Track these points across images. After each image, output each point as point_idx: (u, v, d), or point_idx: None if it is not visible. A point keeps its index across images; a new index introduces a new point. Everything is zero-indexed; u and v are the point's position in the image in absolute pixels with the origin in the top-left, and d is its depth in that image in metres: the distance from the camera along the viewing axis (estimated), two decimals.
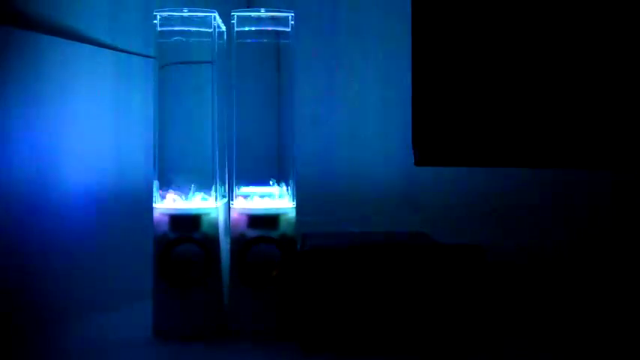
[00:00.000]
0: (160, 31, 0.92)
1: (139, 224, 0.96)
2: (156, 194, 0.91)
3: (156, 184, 0.91)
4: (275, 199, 0.93)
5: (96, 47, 1.01)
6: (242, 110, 0.93)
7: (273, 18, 0.93)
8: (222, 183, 0.95)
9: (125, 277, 1.01)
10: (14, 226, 0.88)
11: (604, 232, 1.02)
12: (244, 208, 0.91)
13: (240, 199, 0.92)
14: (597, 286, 1.01)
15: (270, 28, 0.93)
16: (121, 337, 0.89)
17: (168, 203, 0.91)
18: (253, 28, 0.93)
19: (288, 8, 0.94)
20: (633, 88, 0.83)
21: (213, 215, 0.90)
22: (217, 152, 0.93)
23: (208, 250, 0.90)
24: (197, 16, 0.92)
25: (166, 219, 0.89)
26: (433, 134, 0.90)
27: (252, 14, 0.93)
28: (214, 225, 0.91)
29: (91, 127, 1.00)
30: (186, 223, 0.89)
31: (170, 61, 0.92)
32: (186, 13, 0.92)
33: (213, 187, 0.92)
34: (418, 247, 0.87)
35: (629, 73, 0.83)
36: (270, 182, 0.93)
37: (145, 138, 1.01)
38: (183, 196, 0.89)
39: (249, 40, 0.93)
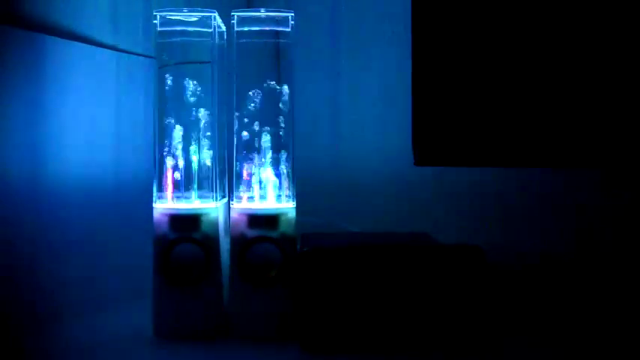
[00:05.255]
0: (160, 31, 0.92)
1: (139, 224, 0.96)
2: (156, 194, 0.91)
3: (156, 184, 0.91)
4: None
5: (96, 47, 1.01)
6: (242, 110, 0.93)
7: (273, 18, 0.93)
8: (222, 183, 0.95)
9: (125, 277, 1.01)
10: (13, 226, 0.88)
11: (604, 232, 1.02)
12: (244, 208, 0.91)
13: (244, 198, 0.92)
14: (597, 285, 1.01)
15: (270, 28, 0.93)
16: (121, 337, 0.89)
17: (168, 203, 0.91)
18: (253, 28, 0.93)
19: (288, 8, 0.94)
20: (632, 88, 0.83)
21: (213, 215, 0.90)
22: (217, 152, 0.93)
23: (208, 250, 0.90)
24: (197, 16, 0.92)
25: (166, 219, 0.89)
26: (433, 134, 0.90)
27: (252, 14, 0.93)
28: (214, 225, 0.91)
29: (91, 127, 1.00)
30: (186, 223, 0.89)
31: (170, 61, 0.92)
32: (186, 13, 0.92)
33: (213, 187, 0.92)
34: (418, 247, 0.87)
35: (628, 73, 0.83)
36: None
37: (144, 138, 1.01)
38: None
39: (249, 40, 0.93)
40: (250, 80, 0.93)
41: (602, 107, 0.84)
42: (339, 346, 0.85)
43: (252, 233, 0.90)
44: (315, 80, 1.24)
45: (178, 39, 0.92)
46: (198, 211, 0.90)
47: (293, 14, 0.93)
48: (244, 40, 0.93)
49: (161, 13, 0.92)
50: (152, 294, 0.90)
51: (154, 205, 0.91)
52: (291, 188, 0.93)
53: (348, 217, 1.19)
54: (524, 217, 1.08)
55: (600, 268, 1.02)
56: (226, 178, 0.95)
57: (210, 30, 0.92)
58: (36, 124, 0.92)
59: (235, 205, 0.92)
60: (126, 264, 1.02)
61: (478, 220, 1.10)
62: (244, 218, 0.91)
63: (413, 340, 0.85)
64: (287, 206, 0.92)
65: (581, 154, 0.86)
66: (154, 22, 0.92)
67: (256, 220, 0.90)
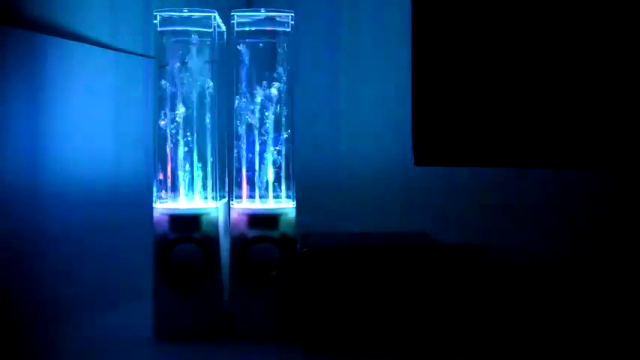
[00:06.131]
0: (160, 31, 0.92)
1: (139, 224, 0.96)
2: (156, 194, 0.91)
3: (155, 183, 0.91)
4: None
5: (96, 47, 1.01)
6: (242, 110, 0.93)
7: (273, 18, 0.93)
8: (222, 183, 0.95)
9: (125, 277, 1.01)
10: (13, 226, 0.88)
11: (604, 232, 1.02)
12: (244, 208, 0.91)
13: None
14: (598, 286, 1.01)
15: (270, 28, 0.93)
16: (121, 337, 0.89)
17: (168, 203, 0.91)
18: (253, 28, 0.93)
19: (288, 8, 0.94)
20: (632, 88, 0.83)
21: (213, 215, 0.90)
22: (217, 152, 0.93)
23: (208, 250, 0.90)
24: (197, 16, 0.92)
25: (166, 219, 0.89)
26: (433, 134, 0.90)
27: (252, 14, 0.93)
28: (214, 225, 0.91)
29: (91, 127, 1.00)
30: (186, 223, 0.89)
31: (170, 61, 0.92)
32: (186, 13, 0.92)
33: (213, 187, 0.92)
34: (418, 247, 0.87)
35: (628, 73, 0.83)
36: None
37: (144, 138, 1.01)
38: None
39: (249, 40, 0.93)
40: (250, 80, 0.93)
41: (602, 108, 0.84)
42: (339, 346, 0.85)
43: (252, 233, 0.90)
44: (315, 80, 1.24)
45: (178, 39, 0.92)
46: (198, 211, 0.90)
47: (293, 14, 0.93)
48: (244, 40, 0.93)
49: (161, 13, 0.92)
50: (152, 294, 0.90)
51: (154, 205, 0.91)
52: (291, 188, 0.93)
53: (348, 217, 1.19)
54: (524, 217, 1.08)
55: (601, 267, 1.02)
56: (226, 178, 0.95)
57: (210, 30, 0.92)
58: (36, 124, 0.92)
59: (235, 205, 0.92)
60: (126, 264, 1.02)
61: (478, 220, 1.10)
62: (244, 218, 0.91)
63: (413, 341, 0.85)
64: (287, 206, 0.92)
65: (581, 155, 0.86)
66: (154, 22, 0.92)
67: (256, 220, 0.90)
